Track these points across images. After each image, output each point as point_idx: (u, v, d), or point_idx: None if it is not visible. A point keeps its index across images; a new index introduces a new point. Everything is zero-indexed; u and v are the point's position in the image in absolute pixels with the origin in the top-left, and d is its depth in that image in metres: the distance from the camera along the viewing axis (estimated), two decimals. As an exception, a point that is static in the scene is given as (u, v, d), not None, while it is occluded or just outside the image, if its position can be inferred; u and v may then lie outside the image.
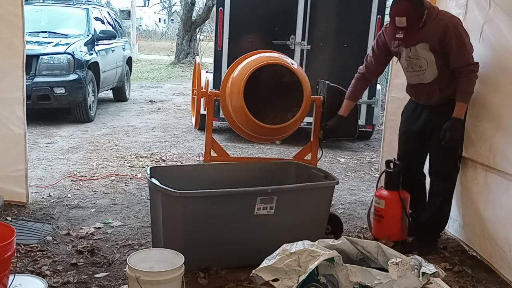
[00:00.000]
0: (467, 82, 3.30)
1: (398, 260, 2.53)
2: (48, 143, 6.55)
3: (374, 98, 7.11)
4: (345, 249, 2.74)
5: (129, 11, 23.72)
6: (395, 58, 3.68)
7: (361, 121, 7.06)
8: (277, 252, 2.65)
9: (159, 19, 46.61)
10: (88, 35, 8.52)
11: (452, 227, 3.84)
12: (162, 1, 33.49)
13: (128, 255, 2.97)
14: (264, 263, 2.62)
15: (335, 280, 2.67)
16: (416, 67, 3.46)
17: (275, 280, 2.54)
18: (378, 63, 3.68)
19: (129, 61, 10.85)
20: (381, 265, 2.71)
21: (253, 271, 2.61)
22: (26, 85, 4.14)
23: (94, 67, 8.28)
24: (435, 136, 3.43)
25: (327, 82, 3.82)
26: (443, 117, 3.37)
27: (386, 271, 2.54)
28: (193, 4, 19.39)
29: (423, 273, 2.51)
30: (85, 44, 8.22)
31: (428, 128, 3.54)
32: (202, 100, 4.02)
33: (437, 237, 3.71)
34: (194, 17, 19.50)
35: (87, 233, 3.72)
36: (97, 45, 8.62)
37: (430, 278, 2.55)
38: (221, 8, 6.92)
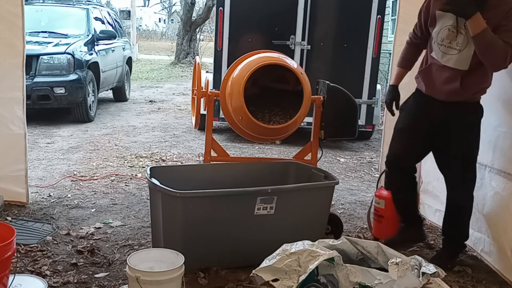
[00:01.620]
0: (501, 45, 2.89)
1: (398, 260, 2.53)
2: (48, 143, 6.55)
3: (374, 98, 7.12)
4: (345, 249, 2.74)
5: (129, 11, 23.72)
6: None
7: (361, 121, 7.07)
8: (277, 252, 2.65)
9: (159, 19, 46.63)
10: (88, 35, 8.53)
11: (452, 227, 3.83)
12: (162, 1, 33.52)
13: (128, 255, 2.97)
14: (264, 263, 2.62)
15: (335, 280, 2.67)
16: (454, 44, 3.06)
17: (275, 280, 2.54)
18: (425, 33, 3.30)
19: (129, 61, 10.85)
20: (381, 265, 2.71)
21: (253, 271, 2.61)
22: (26, 85, 4.14)
23: (94, 67, 8.29)
24: (454, 144, 3.19)
25: (327, 82, 3.82)
26: (459, 119, 3.14)
27: (386, 271, 2.54)
28: (193, 4, 19.40)
29: (423, 273, 2.51)
30: (85, 44, 8.22)
31: (440, 131, 3.23)
32: (202, 100, 4.02)
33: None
34: (194, 17, 19.51)
35: (87, 233, 3.72)
36: (97, 45, 8.62)
37: (430, 278, 2.55)
38: (221, 8, 6.92)
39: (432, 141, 3.33)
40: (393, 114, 3.51)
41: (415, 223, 3.60)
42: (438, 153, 3.38)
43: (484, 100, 3.36)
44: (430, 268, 2.55)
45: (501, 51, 2.88)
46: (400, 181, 3.50)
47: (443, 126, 3.21)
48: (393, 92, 3.51)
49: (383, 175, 3.70)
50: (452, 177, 3.30)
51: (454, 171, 3.27)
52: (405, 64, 3.49)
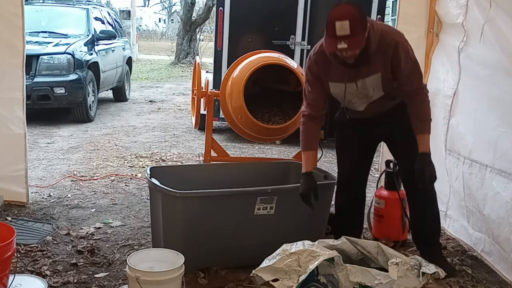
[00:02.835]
0: (426, 108, 2.91)
1: (398, 260, 2.53)
2: (48, 143, 6.55)
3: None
4: (345, 249, 2.74)
5: (129, 11, 23.72)
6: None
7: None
8: (277, 252, 2.65)
9: (159, 19, 46.62)
10: (88, 35, 8.53)
11: (452, 227, 3.84)
12: (162, 1, 33.51)
13: (128, 255, 2.97)
14: (264, 263, 2.61)
15: (335, 280, 2.67)
16: (362, 96, 2.99)
17: (275, 280, 2.54)
18: (325, 100, 3.09)
19: (129, 61, 10.85)
20: (381, 265, 2.71)
21: (253, 271, 2.61)
22: (26, 85, 4.14)
23: (94, 67, 8.29)
24: (401, 137, 3.08)
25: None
26: (404, 117, 2.98)
27: (386, 271, 2.54)
28: (193, 4, 19.39)
29: (423, 273, 2.51)
30: (85, 44, 8.22)
31: (388, 135, 3.16)
32: (202, 100, 4.02)
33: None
34: (194, 17, 19.50)
35: (87, 233, 3.72)
36: (97, 45, 8.62)
37: (430, 278, 2.55)
38: (221, 8, 6.92)
39: (374, 147, 3.30)
40: (312, 208, 3.06)
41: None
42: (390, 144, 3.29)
43: (484, 100, 3.37)
44: (430, 268, 2.55)
45: (430, 107, 2.93)
46: (348, 199, 3.35)
47: (384, 129, 3.13)
48: (310, 182, 3.02)
49: (383, 175, 3.70)
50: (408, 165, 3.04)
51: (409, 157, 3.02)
52: (313, 145, 3.11)
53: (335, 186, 3.36)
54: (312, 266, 2.50)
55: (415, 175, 2.86)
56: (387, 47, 2.80)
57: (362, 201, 3.44)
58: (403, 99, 2.97)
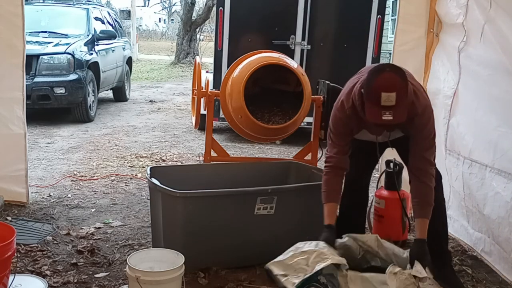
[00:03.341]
0: (430, 191, 2.76)
1: (396, 269, 2.52)
2: (48, 143, 6.55)
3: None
4: (350, 245, 2.77)
5: (129, 11, 23.73)
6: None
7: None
8: (291, 248, 2.69)
9: (159, 19, 46.61)
10: (88, 35, 8.53)
11: (452, 227, 3.83)
12: (162, 1, 33.53)
13: (128, 255, 2.97)
14: (278, 258, 2.66)
15: (335, 280, 2.67)
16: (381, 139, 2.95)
17: (285, 275, 2.57)
18: (347, 145, 2.91)
19: (129, 61, 10.85)
20: (383, 258, 2.74)
21: (267, 264, 2.64)
22: (26, 85, 4.14)
23: (94, 67, 8.29)
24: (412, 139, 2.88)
25: (327, 82, 3.83)
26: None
27: (385, 268, 2.54)
28: (193, 4, 19.39)
29: (414, 276, 2.52)
30: (85, 44, 8.22)
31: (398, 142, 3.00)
32: (202, 100, 4.02)
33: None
34: (194, 17, 19.50)
35: (87, 233, 3.72)
36: (97, 45, 8.62)
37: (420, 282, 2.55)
38: (221, 8, 6.92)
39: (381, 151, 3.17)
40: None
41: None
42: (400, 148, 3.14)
43: (484, 100, 3.37)
44: (421, 272, 2.54)
45: (433, 194, 2.78)
46: (353, 202, 3.28)
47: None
48: (330, 236, 2.78)
49: (383, 175, 3.70)
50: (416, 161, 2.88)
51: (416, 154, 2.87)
52: (335, 196, 2.91)
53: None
54: (318, 267, 2.51)
55: (409, 262, 2.68)
56: (416, 109, 2.68)
57: (366, 203, 3.43)
58: (410, 172, 2.84)
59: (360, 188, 3.30)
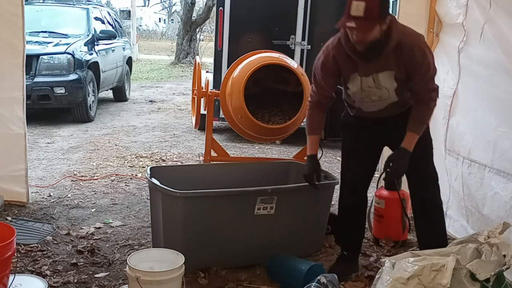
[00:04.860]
0: (426, 111, 2.90)
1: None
2: (48, 143, 6.55)
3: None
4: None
5: (129, 11, 23.71)
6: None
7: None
8: (384, 284, 2.28)
9: (159, 19, 46.59)
10: (88, 35, 8.52)
11: (452, 227, 3.83)
12: (162, 1, 33.52)
13: (128, 255, 2.97)
14: None
15: (335, 280, 2.67)
16: (375, 97, 2.94)
17: None
18: (331, 90, 3.07)
19: (129, 61, 10.85)
20: None
21: None
22: (26, 85, 4.14)
23: (94, 67, 8.28)
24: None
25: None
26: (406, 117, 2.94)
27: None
28: (193, 4, 19.38)
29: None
30: (85, 44, 8.22)
31: (394, 141, 3.00)
32: (202, 100, 4.02)
33: None
34: (194, 17, 19.49)
35: (87, 233, 3.72)
36: (97, 45, 8.62)
37: None
38: (221, 8, 6.92)
39: (380, 150, 3.23)
40: (316, 188, 3.14)
41: (357, 252, 3.33)
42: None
43: (484, 100, 3.37)
44: None
45: (432, 111, 2.92)
46: (354, 202, 3.27)
47: (389, 135, 3.07)
48: (313, 164, 3.13)
49: (383, 175, 3.69)
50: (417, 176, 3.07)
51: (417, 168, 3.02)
52: (317, 129, 3.15)
53: (340, 189, 3.30)
54: (446, 281, 2.19)
55: (384, 164, 2.91)
56: (403, 48, 2.76)
57: (365, 203, 3.39)
58: (413, 98, 2.93)
59: (360, 189, 3.27)
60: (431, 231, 3.13)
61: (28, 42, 4.27)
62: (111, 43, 9.35)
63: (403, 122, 2.94)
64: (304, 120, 3.84)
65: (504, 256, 2.31)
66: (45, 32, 8.44)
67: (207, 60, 14.80)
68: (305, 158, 3.02)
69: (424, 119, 2.91)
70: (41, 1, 9.51)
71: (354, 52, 2.80)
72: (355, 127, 3.17)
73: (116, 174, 5.24)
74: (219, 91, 3.94)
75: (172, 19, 38.32)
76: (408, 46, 2.76)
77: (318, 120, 3.13)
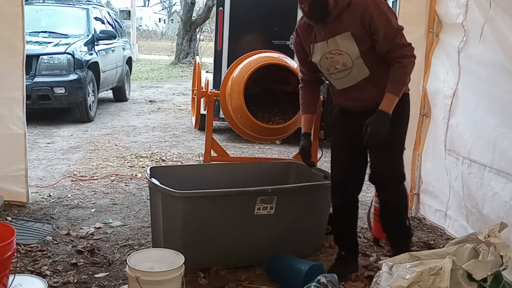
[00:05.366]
0: (399, 69, 2.79)
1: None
2: (48, 143, 6.55)
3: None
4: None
5: (129, 11, 23.71)
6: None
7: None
8: None
9: (159, 19, 46.59)
10: (88, 35, 8.53)
11: (452, 227, 3.84)
12: (162, 1, 33.51)
13: (128, 255, 2.97)
14: None
15: (335, 280, 2.67)
16: (340, 66, 2.87)
17: None
18: (310, 67, 3.08)
19: (129, 61, 10.85)
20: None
21: None
22: (26, 85, 4.14)
23: (94, 67, 8.29)
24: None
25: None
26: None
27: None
28: (193, 4, 19.39)
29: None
30: (85, 44, 8.23)
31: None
32: (202, 100, 4.02)
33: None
34: (194, 17, 19.49)
35: (87, 233, 3.72)
36: (97, 45, 8.62)
37: None
38: (221, 8, 6.92)
39: (364, 150, 3.09)
40: (310, 165, 3.29)
41: (355, 252, 3.30)
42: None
43: (484, 100, 3.37)
44: None
45: (407, 69, 2.82)
46: (342, 203, 3.23)
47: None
48: (307, 141, 3.22)
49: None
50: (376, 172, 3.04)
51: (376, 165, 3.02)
52: (311, 108, 3.23)
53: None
54: (445, 284, 2.18)
55: (363, 129, 2.83)
56: (356, 6, 2.78)
57: (354, 207, 3.27)
58: (389, 60, 2.83)
59: (347, 190, 3.17)
60: (385, 199, 3.12)
61: (28, 42, 4.28)
62: (111, 43, 9.35)
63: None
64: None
65: (502, 256, 2.31)
66: (45, 32, 8.45)
67: (207, 60, 14.80)
68: (385, 113, 2.80)
69: (398, 77, 2.81)
70: (41, 1, 9.51)
71: (304, 15, 2.92)
72: (339, 126, 3.16)
73: (116, 174, 5.24)
74: (219, 91, 3.94)
75: (172, 19, 38.32)
76: (360, 4, 2.78)
77: (309, 99, 3.23)
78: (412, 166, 4.21)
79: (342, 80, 2.94)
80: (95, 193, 4.65)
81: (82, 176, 5.16)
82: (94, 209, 4.24)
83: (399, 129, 2.98)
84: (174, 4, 32.11)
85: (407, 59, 2.81)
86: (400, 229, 3.14)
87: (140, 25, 38.20)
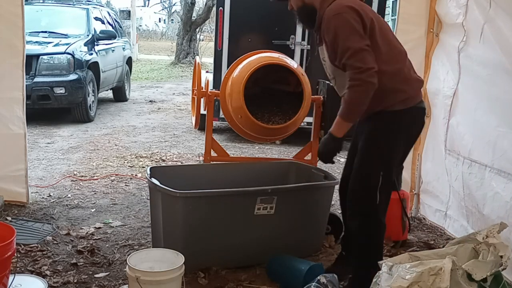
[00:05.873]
0: (348, 90, 2.61)
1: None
2: (48, 143, 6.55)
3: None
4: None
5: (129, 11, 23.73)
6: None
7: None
8: None
9: (159, 19, 46.60)
10: (88, 35, 8.53)
11: (452, 227, 3.84)
12: (162, 1, 33.53)
13: (128, 255, 2.97)
14: None
15: (335, 280, 2.67)
16: (329, 73, 2.88)
17: None
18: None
19: (129, 61, 10.86)
20: None
21: None
22: (26, 85, 4.14)
23: (94, 67, 8.29)
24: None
25: (327, 82, 3.82)
26: (365, 133, 2.79)
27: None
28: (193, 4, 19.39)
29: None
30: (85, 44, 8.22)
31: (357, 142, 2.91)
32: (202, 100, 4.02)
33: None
34: (194, 17, 19.50)
35: (87, 233, 3.72)
36: (97, 45, 8.62)
37: None
38: (221, 8, 6.92)
39: None
40: (332, 163, 2.95)
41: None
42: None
43: (484, 100, 3.37)
44: None
45: (356, 93, 2.60)
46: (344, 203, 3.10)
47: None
48: (340, 146, 2.87)
49: None
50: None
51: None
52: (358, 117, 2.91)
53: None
54: (445, 284, 2.17)
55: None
56: (323, 20, 2.72)
57: None
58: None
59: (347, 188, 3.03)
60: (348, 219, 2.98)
61: (28, 42, 4.27)
62: (111, 43, 9.35)
63: (368, 127, 2.80)
64: (304, 120, 3.85)
65: (501, 256, 2.31)
66: (45, 32, 8.45)
67: (207, 60, 14.81)
68: (331, 135, 2.74)
69: (346, 100, 2.66)
70: (41, 1, 9.51)
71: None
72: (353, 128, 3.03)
73: (116, 174, 5.24)
74: (219, 91, 3.93)
75: (172, 19, 38.33)
76: (324, 17, 2.70)
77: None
78: (412, 166, 4.22)
79: (336, 87, 2.90)
80: (95, 193, 4.65)
81: (82, 176, 5.16)
82: (94, 209, 4.24)
83: (381, 151, 2.76)
84: (174, 4, 32.13)
85: (351, 82, 2.58)
86: (360, 255, 2.85)
87: (140, 25, 38.21)
